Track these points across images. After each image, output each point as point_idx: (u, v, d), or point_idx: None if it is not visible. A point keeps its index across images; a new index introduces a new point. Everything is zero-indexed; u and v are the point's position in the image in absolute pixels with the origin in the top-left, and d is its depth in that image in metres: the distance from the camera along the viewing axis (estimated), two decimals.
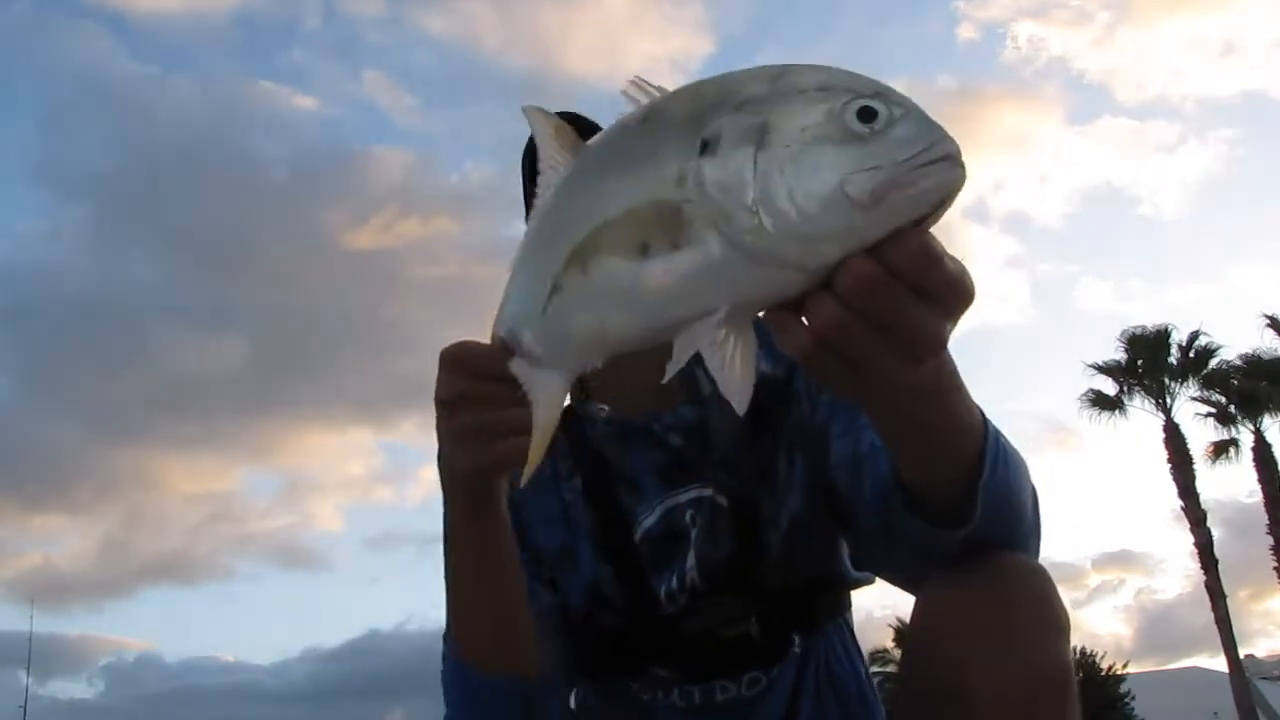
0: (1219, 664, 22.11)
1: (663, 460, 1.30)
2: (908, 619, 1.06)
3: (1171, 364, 22.08)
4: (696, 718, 1.25)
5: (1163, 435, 21.82)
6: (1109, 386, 22.60)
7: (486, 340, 0.89)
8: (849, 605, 1.36)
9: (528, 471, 0.81)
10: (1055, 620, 0.95)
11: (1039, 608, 0.95)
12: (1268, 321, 21.97)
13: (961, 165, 0.63)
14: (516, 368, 0.83)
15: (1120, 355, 22.49)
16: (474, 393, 0.89)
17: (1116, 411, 22.45)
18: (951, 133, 0.64)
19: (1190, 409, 22.30)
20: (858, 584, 1.34)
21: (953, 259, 0.67)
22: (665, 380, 0.69)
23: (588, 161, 0.78)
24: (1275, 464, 21.37)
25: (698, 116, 0.67)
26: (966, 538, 0.92)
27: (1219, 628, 20.73)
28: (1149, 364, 22.17)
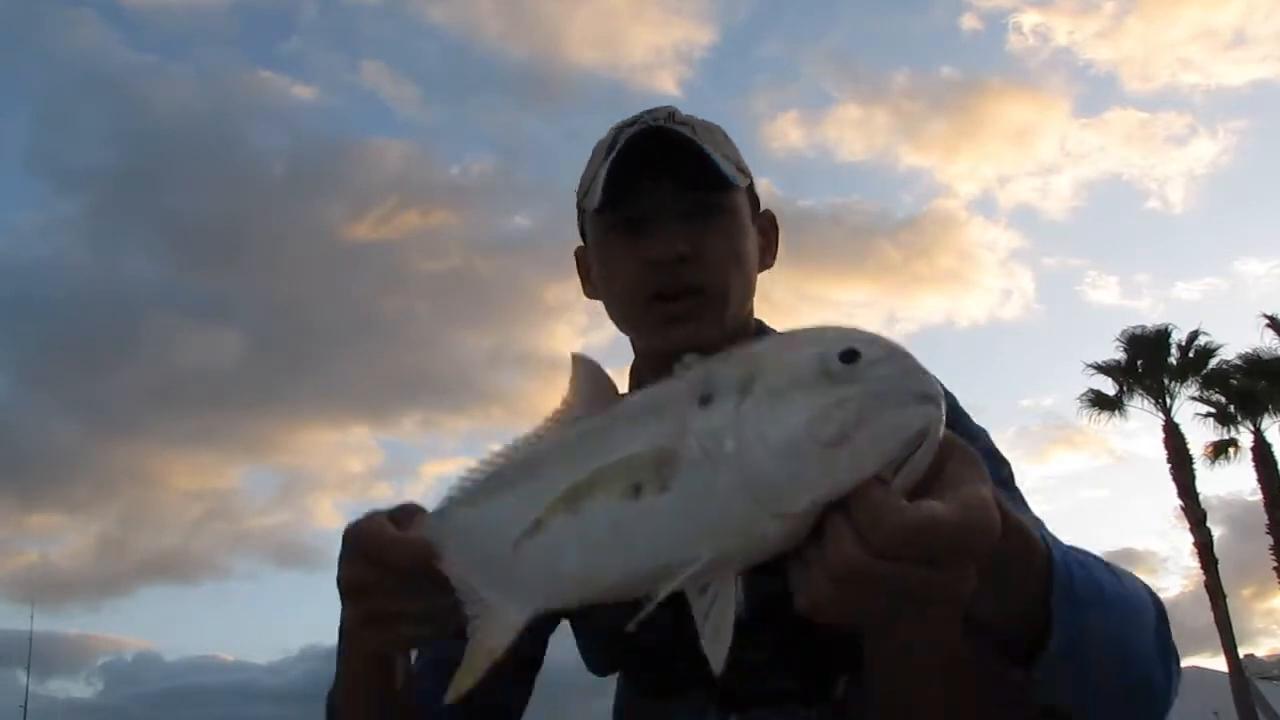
0: (1219, 664, 22.09)
1: None
2: None
3: (1171, 364, 22.09)
4: None
5: (1162, 435, 21.86)
6: (1109, 386, 22.64)
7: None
8: None
9: (454, 692, 0.76)
10: None
11: None
12: (1267, 321, 22.00)
13: (938, 405, 0.63)
14: (455, 574, 0.80)
15: (1120, 355, 22.53)
16: (380, 584, 0.85)
17: (1116, 411, 22.49)
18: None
19: (1190, 409, 22.35)
20: None
21: (932, 511, 0.62)
22: (630, 628, 0.69)
23: (614, 409, 0.77)
24: (1275, 464, 21.38)
25: (708, 376, 0.69)
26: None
27: (1219, 627, 20.75)
28: (1149, 364, 22.19)
